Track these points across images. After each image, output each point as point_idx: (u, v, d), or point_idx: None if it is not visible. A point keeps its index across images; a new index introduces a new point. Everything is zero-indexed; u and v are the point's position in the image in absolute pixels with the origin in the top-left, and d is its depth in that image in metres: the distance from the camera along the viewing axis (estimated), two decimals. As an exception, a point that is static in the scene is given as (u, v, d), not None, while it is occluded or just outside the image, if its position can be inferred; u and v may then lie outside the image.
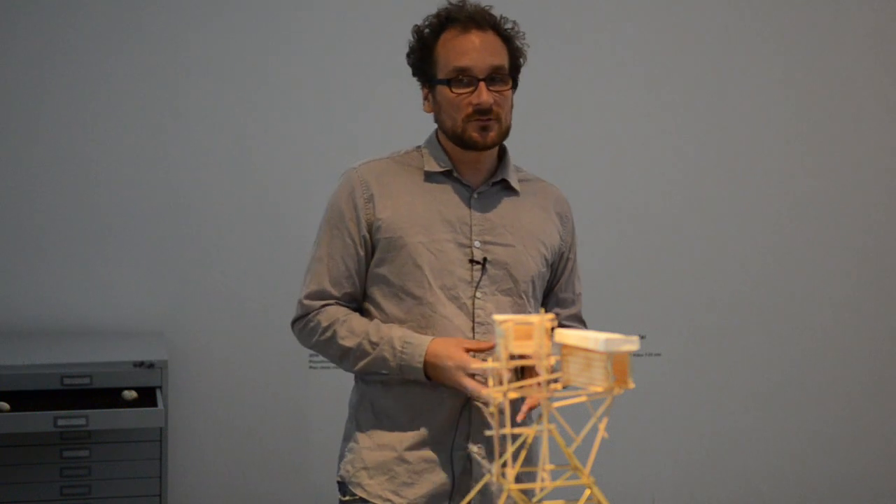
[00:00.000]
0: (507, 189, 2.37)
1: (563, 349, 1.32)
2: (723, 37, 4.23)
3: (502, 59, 2.29)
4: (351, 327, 2.27)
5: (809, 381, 4.32)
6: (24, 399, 3.11)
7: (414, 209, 2.28)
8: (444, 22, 2.29)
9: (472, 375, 2.15)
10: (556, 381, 1.29)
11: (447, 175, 2.33)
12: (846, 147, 4.34)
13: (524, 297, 2.32)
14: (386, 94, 3.88)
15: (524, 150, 4.12)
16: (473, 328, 2.26)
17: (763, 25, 4.26)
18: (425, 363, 2.19)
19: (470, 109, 2.25)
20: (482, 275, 2.28)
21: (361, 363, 2.27)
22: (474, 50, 2.25)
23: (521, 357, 1.29)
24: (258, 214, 3.86)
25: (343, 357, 2.29)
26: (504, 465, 1.31)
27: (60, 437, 3.19)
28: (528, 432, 1.30)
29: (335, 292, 2.31)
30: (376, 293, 2.31)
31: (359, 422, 2.35)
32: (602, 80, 4.14)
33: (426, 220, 2.28)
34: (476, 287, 2.27)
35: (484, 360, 2.17)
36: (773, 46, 4.27)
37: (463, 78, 2.25)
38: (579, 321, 2.50)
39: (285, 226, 3.87)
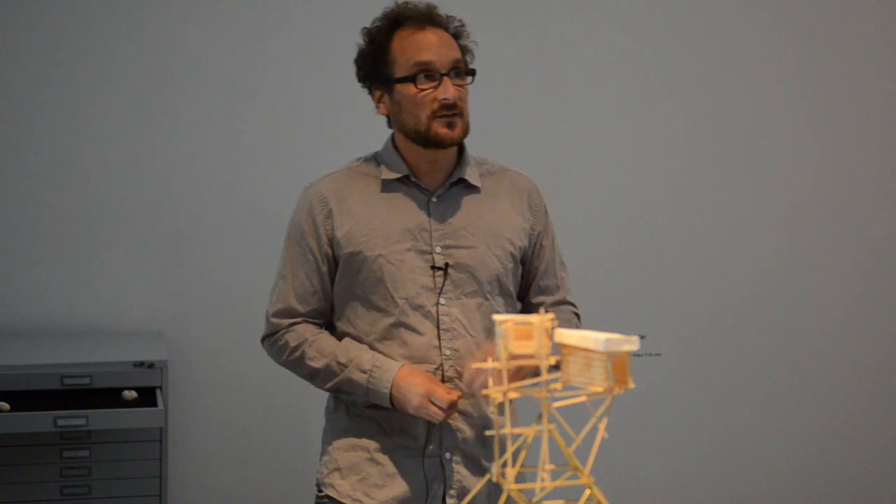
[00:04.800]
0: (468, 187, 2.35)
1: (563, 349, 1.32)
2: (724, 37, 4.23)
3: (458, 53, 2.30)
4: (319, 347, 2.29)
5: (810, 381, 4.32)
6: (24, 399, 3.11)
7: (372, 222, 2.28)
8: (395, 21, 2.29)
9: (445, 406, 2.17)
10: (556, 380, 1.29)
11: (404, 181, 2.31)
12: (847, 147, 4.34)
13: (489, 297, 2.31)
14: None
15: (525, 150, 4.13)
16: (439, 335, 2.26)
17: (766, 25, 4.26)
18: (392, 389, 2.20)
19: (435, 105, 2.24)
20: (444, 280, 2.27)
21: (330, 384, 2.28)
22: (434, 45, 2.26)
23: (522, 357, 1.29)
24: (258, 215, 3.86)
25: (312, 377, 2.31)
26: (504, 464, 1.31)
27: (60, 437, 3.19)
28: (528, 432, 1.30)
29: (302, 309, 2.32)
30: (343, 307, 2.33)
31: (334, 424, 2.37)
32: (602, 79, 4.14)
33: (384, 231, 2.27)
34: (439, 293, 2.26)
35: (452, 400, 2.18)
36: (775, 46, 4.27)
37: (426, 73, 2.24)
38: (568, 304, 2.47)
39: (285, 226, 3.86)
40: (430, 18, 2.29)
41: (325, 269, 2.31)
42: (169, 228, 3.81)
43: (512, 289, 2.37)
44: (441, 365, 2.25)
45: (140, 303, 3.79)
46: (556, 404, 1.30)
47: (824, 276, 4.33)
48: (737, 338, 4.26)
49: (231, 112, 3.86)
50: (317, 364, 2.28)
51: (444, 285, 2.26)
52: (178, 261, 3.83)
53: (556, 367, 1.32)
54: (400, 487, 2.27)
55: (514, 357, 1.29)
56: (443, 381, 2.24)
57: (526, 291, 2.42)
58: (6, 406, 3.04)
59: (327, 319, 2.37)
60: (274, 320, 2.34)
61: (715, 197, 4.24)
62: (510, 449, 1.30)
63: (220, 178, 3.86)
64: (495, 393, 1.30)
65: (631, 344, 1.24)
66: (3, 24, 3.71)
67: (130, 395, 3.17)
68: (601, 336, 1.25)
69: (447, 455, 2.27)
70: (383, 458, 2.28)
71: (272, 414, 3.90)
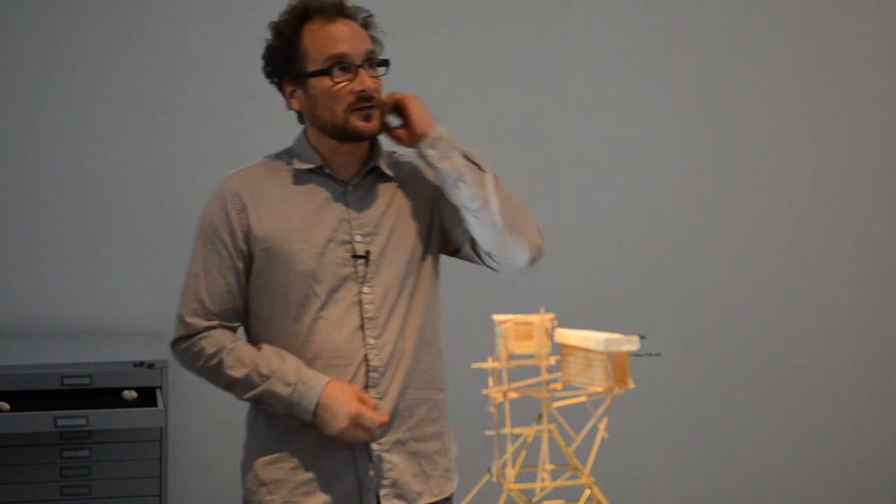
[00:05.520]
0: (382, 176, 2.31)
1: (563, 349, 1.32)
2: (724, 37, 4.23)
3: (371, 44, 2.26)
4: (239, 356, 2.22)
5: (810, 381, 4.32)
6: (24, 399, 3.11)
7: (289, 215, 2.23)
8: (304, 14, 2.24)
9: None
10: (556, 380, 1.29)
11: (318, 173, 2.27)
12: (847, 147, 4.34)
13: (412, 277, 2.26)
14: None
15: (525, 150, 4.13)
16: (363, 325, 2.21)
17: (766, 25, 4.26)
18: (317, 407, 2.16)
19: (352, 98, 2.19)
20: (367, 268, 2.23)
21: (249, 394, 2.21)
22: (347, 37, 2.22)
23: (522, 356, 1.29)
24: (258, 214, 3.86)
25: (230, 387, 2.24)
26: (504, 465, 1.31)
27: (60, 437, 3.19)
28: (528, 432, 1.30)
29: (215, 309, 2.24)
30: (259, 307, 2.26)
31: (254, 435, 2.30)
32: (602, 79, 4.14)
33: (303, 224, 2.23)
34: (362, 282, 2.23)
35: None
36: (775, 46, 4.27)
37: (341, 66, 2.20)
38: None
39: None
40: (339, 10, 2.24)
41: (240, 266, 2.24)
42: (169, 228, 3.81)
43: (433, 272, 2.32)
44: (366, 355, 2.21)
45: (140, 303, 3.79)
46: (556, 404, 1.30)
47: (824, 276, 4.33)
48: (737, 338, 4.26)
49: (231, 112, 3.86)
50: (236, 373, 2.20)
51: (366, 274, 2.23)
52: (178, 261, 3.80)
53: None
54: (331, 490, 2.22)
55: (514, 357, 1.29)
56: (367, 371, 2.20)
57: (473, 251, 2.32)
58: (6, 406, 3.04)
59: (241, 321, 2.29)
60: (189, 320, 2.25)
61: (715, 197, 4.24)
62: (510, 449, 1.30)
63: (220, 178, 3.85)
64: (495, 393, 1.30)
65: (631, 344, 1.24)
66: (3, 24, 3.71)
67: (130, 395, 3.17)
68: (601, 336, 1.25)
69: (375, 447, 2.22)
70: (309, 464, 2.22)
71: (272, 414, 3.90)
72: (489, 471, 1.29)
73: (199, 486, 3.87)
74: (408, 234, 2.29)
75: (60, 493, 3.20)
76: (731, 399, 4.26)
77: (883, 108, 4.36)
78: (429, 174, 2.32)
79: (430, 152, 2.23)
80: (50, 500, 3.19)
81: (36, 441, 3.17)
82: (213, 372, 2.24)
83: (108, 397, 3.16)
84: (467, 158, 2.24)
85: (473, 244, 2.29)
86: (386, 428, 2.23)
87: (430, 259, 2.32)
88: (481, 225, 2.23)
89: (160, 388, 3.21)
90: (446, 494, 2.33)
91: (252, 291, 2.26)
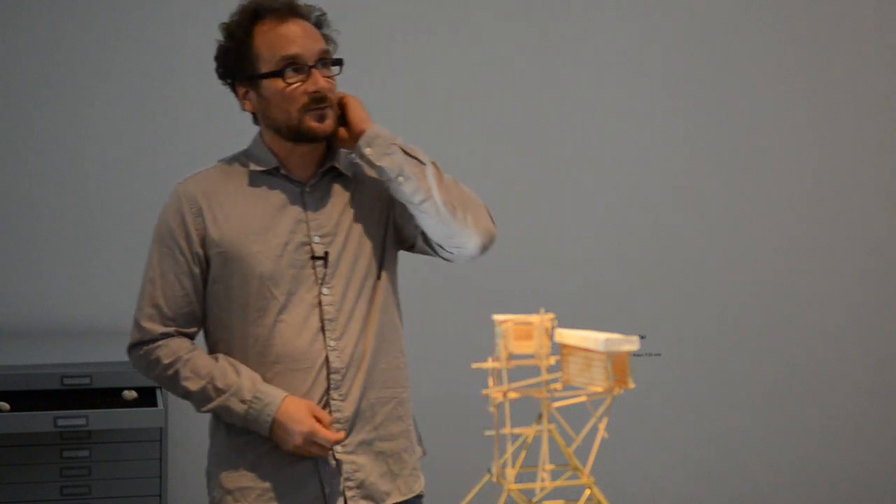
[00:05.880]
0: (339, 176, 2.29)
1: (563, 349, 1.32)
2: (724, 37, 4.23)
3: (324, 43, 2.23)
4: (195, 367, 2.20)
5: (810, 381, 4.32)
6: (24, 399, 3.11)
7: (246, 219, 2.21)
8: (255, 14, 2.20)
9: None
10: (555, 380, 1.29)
11: (275, 174, 2.24)
12: (847, 147, 4.34)
13: (371, 281, 2.25)
14: (392, 94, 3.88)
15: (525, 150, 4.13)
16: (323, 327, 2.20)
17: (766, 25, 4.26)
18: (273, 424, 2.15)
19: (305, 99, 2.17)
20: (325, 270, 2.21)
21: (206, 408, 2.21)
22: (299, 37, 2.18)
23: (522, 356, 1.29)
24: (258, 214, 3.86)
25: (187, 398, 2.23)
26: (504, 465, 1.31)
27: (60, 437, 3.19)
28: (528, 432, 1.30)
29: (172, 314, 2.22)
30: (217, 312, 2.24)
31: (218, 444, 2.30)
32: (603, 79, 4.14)
33: (260, 227, 2.20)
34: (321, 284, 2.21)
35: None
36: (775, 46, 4.27)
37: (293, 67, 2.17)
38: None
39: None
40: (291, 9, 2.21)
41: (196, 270, 2.21)
42: (169, 228, 3.80)
43: (391, 270, 2.30)
44: (327, 357, 2.20)
45: (140, 303, 3.79)
46: (556, 404, 1.30)
47: (824, 276, 4.33)
48: (737, 338, 4.26)
49: (231, 112, 3.85)
50: (192, 386, 2.19)
51: (325, 275, 2.21)
52: (178, 261, 3.83)
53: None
54: (296, 496, 2.20)
55: (514, 357, 1.29)
56: (329, 374, 2.19)
57: (422, 239, 2.30)
58: (6, 406, 3.04)
59: (199, 326, 2.27)
60: (145, 325, 2.23)
61: (715, 197, 4.24)
62: (510, 449, 1.30)
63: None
64: (495, 393, 1.30)
65: (631, 344, 1.24)
66: (3, 24, 3.71)
67: (130, 395, 3.17)
68: (601, 336, 1.25)
69: (339, 449, 2.21)
70: (273, 471, 2.21)
71: (272, 414, 3.90)
72: (489, 471, 1.29)
73: (199, 486, 3.84)
74: (366, 233, 2.27)
75: (60, 493, 3.20)
76: (731, 399, 4.26)
77: (883, 109, 4.36)
78: (373, 173, 2.28)
79: (368, 151, 2.20)
80: (50, 500, 3.19)
81: (36, 441, 3.17)
82: (170, 382, 2.23)
83: (108, 397, 3.16)
84: (406, 153, 2.22)
85: (425, 237, 2.27)
86: (350, 428, 2.22)
87: (388, 257, 2.30)
88: (427, 217, 2.21)
89: (160, 388, 3.21)
90: (415, 493, 2.32)
91: (210, 296, 2.24)
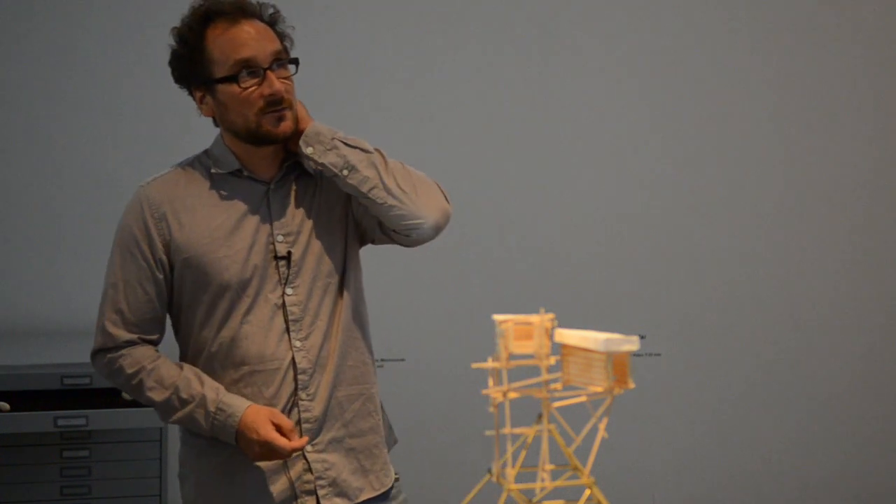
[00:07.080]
0: (302, 174, 2.26)
1: (563, 349, 1.32)
2: (724, 37, 4.23)
3: (278, 44, 2.19)
4: (159, 377, 2.18)
5: (810, 381, 4.32)
6: (24, 399, 3.11)
7: (211, 223, 2.18)
8: (206, 17, 2.16)
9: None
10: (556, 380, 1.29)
11: (238, 176, 2.22)
12: (847, 147, 4.34)
13: (336, 279, 2.24)
14: (393, 94, 3.88)
15: (525, 150, 4.13)
16: (288, 329, 2.19)
17: (766, 25, 4.26)
18: (237, 435, 2.13)
19: (262, 102, 2.13)
20: (289, 270, 2.19)
21: (171, 418, 2.19)
22: (252, 39, 2.14)
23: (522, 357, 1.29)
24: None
25: (152, 407, 2.22)
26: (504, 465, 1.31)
27: (60, 437, 3.19)
28: (528, 432, 1.30)
29: (135, 319, 2.20)
30: (183, 315, 2.22)
31: (188, 446, 2.28)
32: (602, 79, 4.14)
33: (224, 230, 2.18)
34: (285, 283, 2.19)
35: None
36: (775, 46, 4.27)
37: (248, 70, 2.12)
38: None
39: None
40: (242, 10, 2.16)
41: (160, 276, 2.19)
42: (169, 228, 3.81)
43: (355, 266, 2.29)
44: (293, 358, 2.19)
45: (140, 303, 3.79)
46: (556, 404, 1.30)
47: (824, 276, 4.32)
48: (737, 338, 4.26)
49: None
50: (156, 397, 2.17)
51: (288, 275, 2.19)
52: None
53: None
54: (266, 496, 2.19)
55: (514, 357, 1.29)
56: (296, 374, 2.18)
57: (380, 229, 2.27)
58: (6, 406, 3.04)
59: (162, 332, 2.25)
60: (109, 331, 2.20)
61: (715, 197, 4.24)
62: (510, 449, 1.30)
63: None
64: (495, 393, 1.30)
65: (631, 344, 1.24)
66: (3, 24, 3.71)
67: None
68: (601, 336, 1.25)
69: (309, 448, 2.20)
70: (242, 473, 2.19)
71: (272, 414, 3.90)
72: (489, 471, 1.29)
73: (199, 486, 3.86)
74: (329, 231, 2.25)
75: (60, 493, 3.20)
76: (731, 399, 4.26)
77: (883, 109, 4.36)
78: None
79: (310, 150, 2.18)
80: (50, 500, 3.20)
81: (36, 441, 3.17)
82: (135, 391, 2.22)
83: (109, 397, 3.16)
84: (348, 145, 2.20)
85: (381, 226, 2.25)
86: (319, 427, 2.21)
87: (351, 254, 2.28)
88: (378, 204, 2.19)
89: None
90: (387, 487, 2.31)
91: (175, 300, 2.22)
